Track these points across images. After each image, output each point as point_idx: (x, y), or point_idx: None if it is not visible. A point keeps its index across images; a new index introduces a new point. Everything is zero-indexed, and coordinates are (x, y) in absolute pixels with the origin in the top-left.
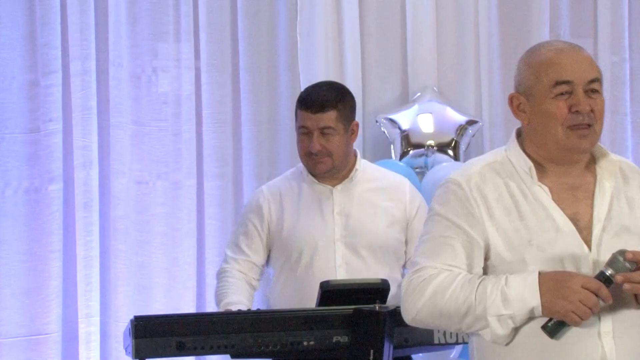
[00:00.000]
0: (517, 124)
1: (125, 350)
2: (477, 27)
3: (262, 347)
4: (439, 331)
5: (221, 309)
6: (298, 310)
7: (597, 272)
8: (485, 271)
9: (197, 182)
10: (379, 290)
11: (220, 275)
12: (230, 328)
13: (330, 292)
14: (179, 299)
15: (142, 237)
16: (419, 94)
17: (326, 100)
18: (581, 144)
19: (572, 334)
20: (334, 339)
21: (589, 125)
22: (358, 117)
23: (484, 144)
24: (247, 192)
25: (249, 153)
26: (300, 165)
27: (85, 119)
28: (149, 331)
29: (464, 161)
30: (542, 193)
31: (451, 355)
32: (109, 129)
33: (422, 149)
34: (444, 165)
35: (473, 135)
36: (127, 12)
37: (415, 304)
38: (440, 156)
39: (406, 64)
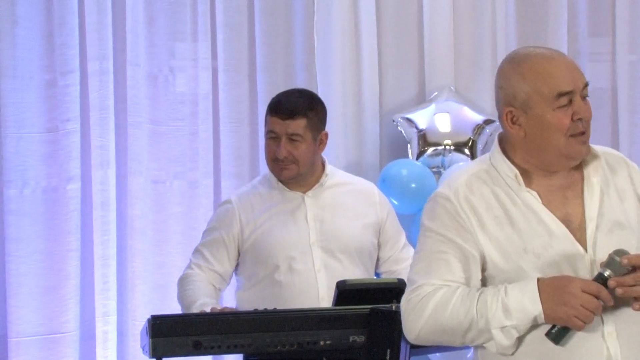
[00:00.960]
0: None
1: (142, 350)
2: (494, 26)
3: (279, 347)
4: None
5: (196, 309)
6: (314, 310)
7: (595, 273)
8: (484, 282)
9: (214, 182)
10: (396, 289)
11: (185, 279)
12: (247, 327)
13: (347, 292)
14: None
15: (159, 236)
16: (435, 93)
17: (296, 107)
18: (582, 150)
19: (577, 337)
20: (351, 339)
21: (584, 132)
22: (375, 117)
23: None
24: None
25: None
26: (267, 172)
27: (103, 119)
28: (166, 330)
29: None
30: (531, 198)
31: (468, 355)
32: (127, 129)
33: (439, 149)
34: (461, 165)
35: (490, 135)
36: (145, 12)
37: (417, 323)
38: (457, 156)
39: (423, 64)
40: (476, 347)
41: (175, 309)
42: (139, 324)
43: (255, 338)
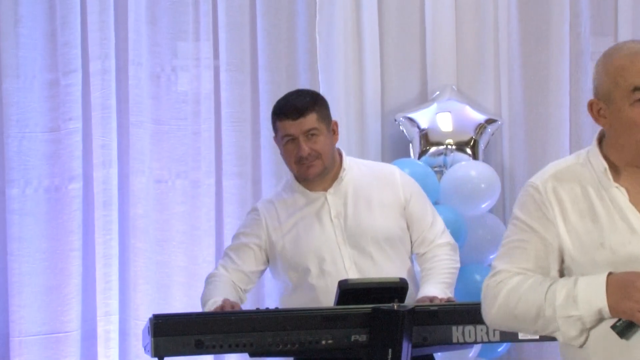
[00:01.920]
0: (537, 122)
1: (145, 349)
2: (496, 25)
3: (281, 346)
4: (457, 330)
5: (207, 309)
6: (317, 309)
7: None
8: (562, 274)
9: (216, 181)
10: (398, 289)
11: (208, 279)
12: (249, 326)
13: (349, 291)
14: (198, 298)
15: (161, 235)
16: (437, 92)
17: (303, 105)
18: None
19: None
20: (353, 338)
21: None
22: (377, 116)
23: (503, 142)
24: (266, 190)
25: (268, 152)
26: (289, 177)
27: (105, 118)
28: (168, 329)
29: (483, 160)
30: (619, 194)
31: (470, 355)
32: (129, 128)
33: (441, 148)
34: (462, 164)
35: (492, 134)
36: (147, 11)
37: (491, 308)
38: (459, 155)
39: (425, 63)
40: (561, 344)
41: (177, 308)
42: (141, 323)
43: (257, 337)
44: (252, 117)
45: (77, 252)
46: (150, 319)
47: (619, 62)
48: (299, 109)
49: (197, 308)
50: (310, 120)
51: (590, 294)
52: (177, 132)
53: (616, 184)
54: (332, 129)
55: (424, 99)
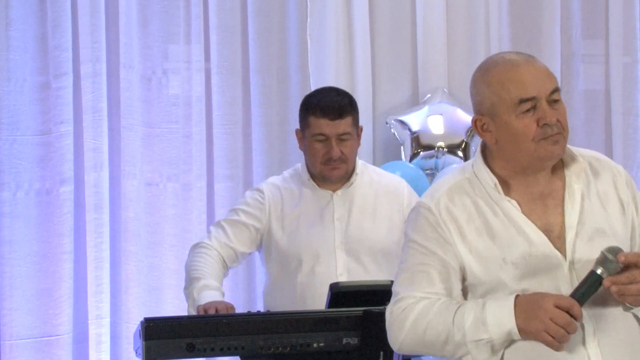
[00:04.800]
0: None
1: (136, 352)
2: (487, 28)
3: (272, 349)
4: None
5: (196, 290)
6: (308, 312)
7: (574, 282)
8: (465, 292)
9: (208, 184)
10: (389, 291)
11: (198, 248)
12: (240, 329)
13: (340, 294)
14: None
15: (152, 238)
16: (429, 95)
17: (343, 106)
18: (554, 150)
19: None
20: (344, 341)
21: (559, 133)
22: (369, 119)
23: None
24: None
25: (260, 154)
26: (300, 167)
27: (96, 121)
28: (159, 333)
29: None
30: (512, 208)
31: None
32: (120, 131)
33: (433, 151)
34: (454, 167)
35: None
36: (138, 14)
37: (399, 334)
38: (450, 158)
39: (416, 66)
40: None
41: (169, 311)
42: (132, 327)
43: (248, 340)
44: (243, 120)
45: (69, 255)
46: (142, 322)
47: (500, 75)
48: (339, 110)
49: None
50: (347, 123)
51: (499, 316)
52: (168, 135)
53: (507, 197)
54: (358, 133)
55: (415, 101)
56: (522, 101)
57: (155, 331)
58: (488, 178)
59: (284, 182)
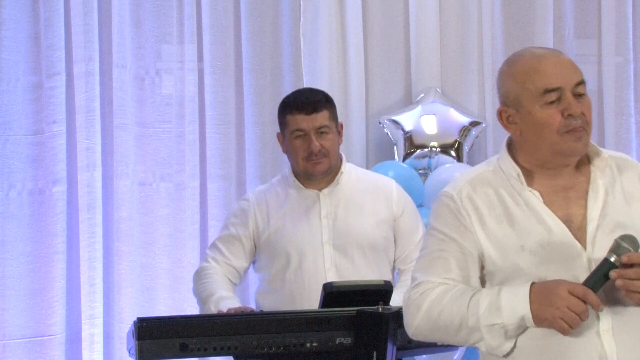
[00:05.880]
0: None
1: (129, 352)
2: (480, 28)
3: (266, 349)
4: None
5: (213, 304)
6: (301, 312)
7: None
8: (483, 280)
9: (201, 184)
10: (382, 291)
11: (201, 272)
12: (233, 329)
13: (333, 294)
14: (182, 301)
15: (145, 238)
16: (422, 95)
17: (317, 101)
18: (577, 147)
19: (571, 334)
20: (337, 341)
21: (582, 128)
22: (362, 119)
23: (487, 145)
24: None
25: (253, 154)
26: (286, 172)
27: (89, 121)
28: (152, 332)
29: (468, 162)
30: (533, 197)
31: (454, 357)
32: (113, 131)
33: (426, 150)
34: (447, 167)
35: (476, 137)
36: (131, 14)
37: (414, 319)
38: (443, 157)
39: (409, 66)
40: (480, 352)
41: (162, 311)
42: (125, 327)
43: (242, 340)
44: (236, 120)
45: (61, 255)
46: (135, 322)
47: (526, 67)
48: (313, 104)
49: (182, 311)
50: (323, 116)
51: (514, 302)
52: (161, 134)
53: (529, 188)
54: (338, 130)
55: (408, 101)
56: (547, 91)
57: (149, 331)
58: (511, 169)
59: (270, 187)
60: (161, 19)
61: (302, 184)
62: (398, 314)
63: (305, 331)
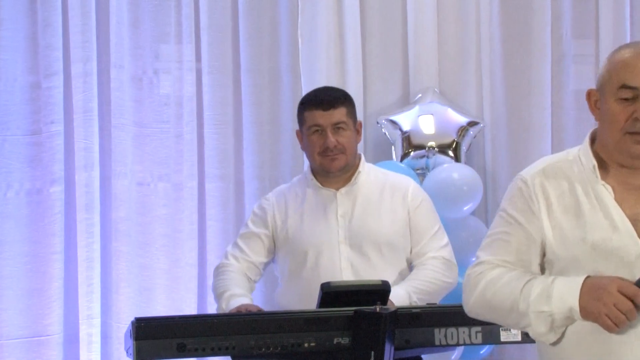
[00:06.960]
0: (519, 125)
1: (127, 352)
2: (478, 28)
3: (263, 349)
4: (440, 332)
5: (224, 301)
6: (299, 312)
7: None
8: (543, 267)
9: (199, 184)
10: (380, 291)
11: (220, 269)
12: (231, 329)
13: (331, 294)
14: (180, 301)
15: (143, 238)
16: (420, 95)
17: (335, 97)
18: (635, 151)
19: (621, 333)
20: (335, 341)
21: None
22: (359, 118)
23: (485, 145)
24: (248, 193)
25: (251, 154)
26: (306, 171)
27: (87, 121)
28: (150, 333)
29: (465, 162)
30: (605, 192)
31: (453, 357)
32: (110, 131)
33: (423, 151)
34: (445, 167)
35: (474, 137)
36: (129, 14)
37: (470, 297)
38: (441, 157)
39: (407, 65)
40: (537, 342)
41: (159, 311)
42: (123, 327)
43: (239, 340)
44: (234, 120)
45: (59, 255)
46: (133, 322)
47: (621, 57)
48: (330, 100)
49: (179, 311)
50: (340, 113)
51: (565, 292)
52: (159, 134)
53: (603, 182)
54: (357, 128)
55: (406, 101)
56: (624, 87)
57: (146, 331)
58: (589, 160)
59: (290, 187)
60: (159, 19)
61: (320, 183)
62: (395, 314)
63: (303, 331)
